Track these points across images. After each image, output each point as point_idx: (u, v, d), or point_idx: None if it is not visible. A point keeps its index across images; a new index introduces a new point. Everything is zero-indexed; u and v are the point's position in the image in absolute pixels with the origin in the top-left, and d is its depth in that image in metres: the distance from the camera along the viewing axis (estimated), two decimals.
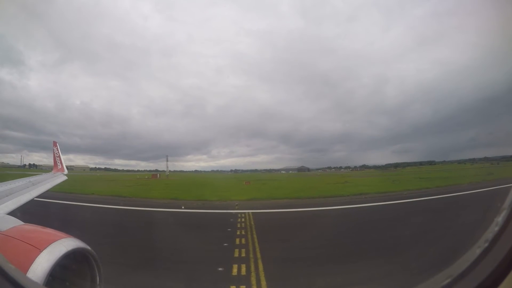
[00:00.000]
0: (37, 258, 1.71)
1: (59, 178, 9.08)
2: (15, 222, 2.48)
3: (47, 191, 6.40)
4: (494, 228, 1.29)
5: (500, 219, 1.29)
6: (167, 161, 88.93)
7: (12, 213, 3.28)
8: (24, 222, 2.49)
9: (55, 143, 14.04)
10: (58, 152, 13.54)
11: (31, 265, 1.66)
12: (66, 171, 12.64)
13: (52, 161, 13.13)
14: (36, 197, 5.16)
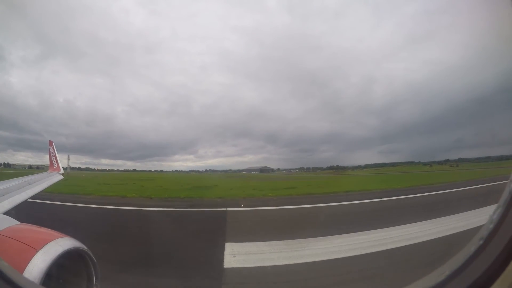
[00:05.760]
0: (33, 258, 1.69)
1: (55, 177, 9.01)
2: (11, 221, 2.46)
3: (43, 190, 6.35)
4: (488, 226, 1.28)
5: (495, 216, 1.28)
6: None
7: (8, 213, 3.24)
8: (20, 221, 2.47)
9: (50, 143, 13.98)
10: (54, 152, 13.47)
11: (27, 265, 1.65)
12: (62, 171, 12.56)
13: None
14: (32, 196, 5.11)
